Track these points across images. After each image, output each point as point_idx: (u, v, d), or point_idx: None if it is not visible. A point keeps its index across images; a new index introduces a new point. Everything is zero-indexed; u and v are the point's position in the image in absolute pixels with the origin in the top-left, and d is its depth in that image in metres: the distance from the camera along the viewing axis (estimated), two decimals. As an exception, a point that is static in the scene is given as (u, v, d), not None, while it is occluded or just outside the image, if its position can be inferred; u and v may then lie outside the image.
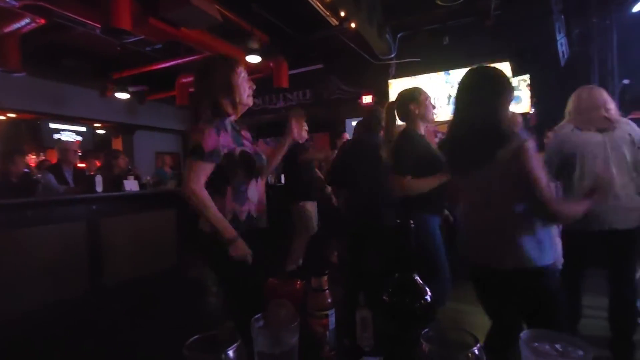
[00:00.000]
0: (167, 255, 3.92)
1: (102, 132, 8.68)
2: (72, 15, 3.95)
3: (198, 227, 1.47)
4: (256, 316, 0.64)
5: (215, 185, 1.40)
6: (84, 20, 4.05)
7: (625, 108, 2.50)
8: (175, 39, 4.62)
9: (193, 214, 1.43)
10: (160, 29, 4.11)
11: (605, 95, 1.98)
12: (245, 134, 1.56)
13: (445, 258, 1.93)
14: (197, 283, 3.39)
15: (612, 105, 1.97)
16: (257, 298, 1.18)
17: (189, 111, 1.52)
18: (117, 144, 8.30)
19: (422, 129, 2.05)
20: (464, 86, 1.41)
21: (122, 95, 6.79)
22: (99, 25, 3.81)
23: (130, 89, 6.75)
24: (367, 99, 6.46)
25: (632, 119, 2.25)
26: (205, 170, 1.36)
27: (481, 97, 1.34)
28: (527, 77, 4.59)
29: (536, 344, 0.50)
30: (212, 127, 1.37)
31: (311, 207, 3.43)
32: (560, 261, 2.10)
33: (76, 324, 2.59)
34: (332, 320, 0.78)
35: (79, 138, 8.05)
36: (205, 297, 3.18)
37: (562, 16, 3.73)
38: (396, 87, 6.08)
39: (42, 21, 4.20)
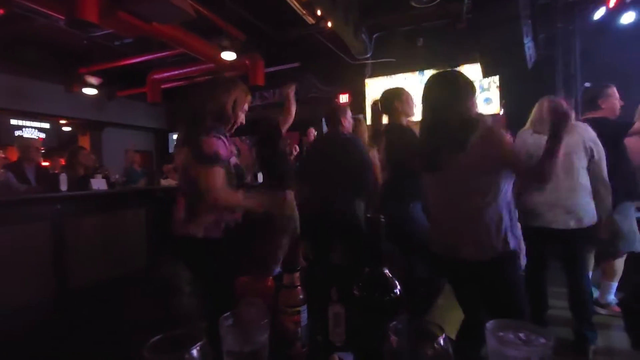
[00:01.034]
0: (137, 256, 3.79)
1: (68, 129, 8.28)
2: (33, 5, 3.74)
3: (184, 234, 1.50)
4: (225, 315, 0.63)
5: None
6: (46, 11, 3.84)
7: (582, 109, 2.64)
8: (147, 34, 4.47)
9: (164, 213, 1.43)
10: (129, 22, 3.96)
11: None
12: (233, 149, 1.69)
13: None
14: (168, 284, 3.29)
15: (571, 114, 2.07)
16: None
17: (182, 114, 1.57)
18: (85, 142, 7.96)
19: (404, 123, 2.24)
20: (429, 90, 1.47)
21: (90, 91, 6.50)
22: (63, 17, 3.63)
23: (98, 84, 6.47)
24: (343, 98, 6.49)
25: (585, 120, 2.39)
26: (222, 174, 1.45)
27: (445, 97, 1.41)
28: (496, 78, 4.76)
29: (501, 333, 0.51)
30: (221, 136, 1.49)
31: (291, 197, 3.24)
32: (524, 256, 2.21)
33: (41, 329, 2.46)
34: (304, 316, 0.77)
35: (42, 135, 7.65)
36: (177, 298, 3.10)
37: (530, 21, 3.89)
38: (372, 86, 6.16)
39: (1, 11, 3.96)
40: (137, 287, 3.34)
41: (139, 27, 4.11)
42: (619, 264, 2.50)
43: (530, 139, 2.14)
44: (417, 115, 2.40)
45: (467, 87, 1.43)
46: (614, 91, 2.53)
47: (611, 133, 2.24)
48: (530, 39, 3.92)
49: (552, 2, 3.97)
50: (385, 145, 2.30)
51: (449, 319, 1.80)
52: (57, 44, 5.70)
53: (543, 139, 1.99)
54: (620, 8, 3.99)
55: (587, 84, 3.96)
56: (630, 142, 2.48)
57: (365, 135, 2.80)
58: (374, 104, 2.39)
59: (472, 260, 1.35)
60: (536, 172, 1.31)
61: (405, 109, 2.24)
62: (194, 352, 0.49)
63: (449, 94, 1.41)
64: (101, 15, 3.50)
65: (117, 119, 8.06)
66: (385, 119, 2.35)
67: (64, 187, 3.40)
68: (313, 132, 4.36)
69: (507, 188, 1.34)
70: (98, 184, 3.82)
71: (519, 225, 1.42)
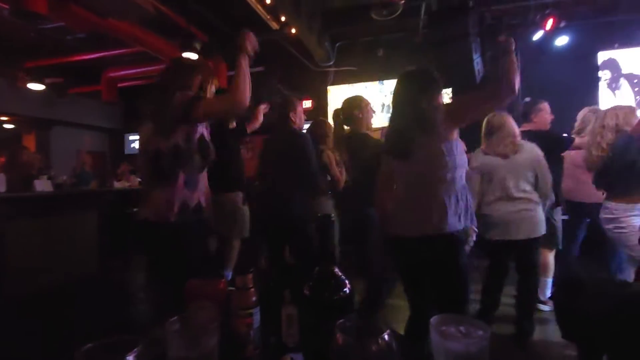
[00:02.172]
0: (86, 261, 3.59)
1: (10, 126, 7.67)
2: (-27, -8, 3.48)
3: (137, 219, 1.44)
4: (171, 320, 0.61)
5: (166, 172, 1.40)
6: (-12, -1, 3.59)
7: (519, 122, 2.89)
8: (101, 30, 4.28)
9: (117, 217, 1.38)
10: (82, 16, 3.78)
11: (513, 123, 2.29)
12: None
13: None
14: (120, 289, 3.15)
15: (517, 131, 2.28)
16: None
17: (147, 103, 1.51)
18: (30, 141, 7.40)
19: (364, 131, 2.34)
20: (398, 86, 1.64)
21: (36, 87, 6.07)
22: (7, 7, 3.40)
23: (46, 80, 6.06)
24: (306, 104, 6.58)
25: (522, 132, 2.63)
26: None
27: (411, 93, 1.57)
28: (449, 90, 5.06)
29: (443, 327, 0.54)
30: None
31: (241, 199, 2.94)
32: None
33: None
34: (256, 318, 0.77)
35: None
36: (129, 304, 2.98)
37: (478, 39, 4.20)
38: (334, 93, 6.30)
39: None
40: (86, 293, 3.17)
41: (92, 22, 3.94)
42: (552, 261, 2.75)
43: (481, 159, 2.31)
44: (376, 122, 2.52)
45: (433, 82, 1.59)
46: (545, 106, 2.82)
47: (550, 146, 2.46)
48: (478, 56, 4.23)
49: (497, 24, 4.32)
50: (348, 152, 2.40)
51: (399, 319, 1.89)
52: (2, 35, 5.29)
53: (493, 159, 2.20)
54: (555, 31, 4.43)
55: (527, 99, 4.33)
56: (569, 154, 2.77)
57: (330, 135, 2.78)
58: (335, 113, 2.47)
59: (432, 234, 1.47)
60: (499, 84, 1.42)
61: (365, 116, 2.33)
62: (130, 358, 0.47)
63: (417, 87, 1.56)
64: (50, 6, 3.32)
65: (67, 117, 7.58)
66: (346, 128, 2.44)
67: (2, 187, 3.17)
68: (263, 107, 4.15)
69: (453, 174, 1.48)
70: (42, 185, 3.60)
71: (473, 214, 1.57)
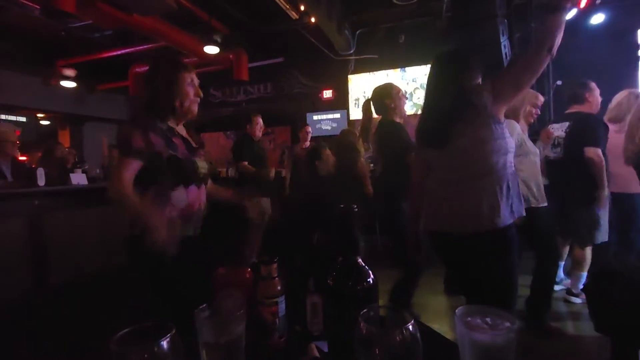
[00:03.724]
0: (120, 251, 3.76)
1: (46, 122, 8.07)
2: (7, -6, 3.65)
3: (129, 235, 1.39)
4: (201, 307, 0.62)
5: (138, 186, 1.33)
6: (21, 0, 3.74)
7: (566, 103, 2.70)
8: (127, 26, 4.40)
9: None
10: (109, 13, 3.89)
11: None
12: (180, 141, 1.45)
13: None
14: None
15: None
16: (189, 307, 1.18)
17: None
18: (65, 136, 7.77)
19: (397, 120, 2.26)
20: (433, 69, 1.51)
21: (68, 84, 6.34)
22: (38, 7, 3.55)
23: (76, 77, 6.31)
24: (327, 94, 6.54)
25: (570, 113, 2.50)
26: (131, 166, 1.29)
27: (450, 75, 1.43)
28: (475, 76, 4.89)
29: (469, 318, 0.53)
30: (139, 128, 1.31)
31: (265, 201, 3.41)
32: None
33: (19, 327, 2.43)
34: (282, 307, 0.78)
35: (19, 129, 7.43)
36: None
37: (505, 20, 4.01)
38: (355, 82, 6.22)
39: (-27, 0, 3.84)
40: (119, 283, 3.32)
41: (119, 19, 4.04)
42: (588, 254, 2.60)
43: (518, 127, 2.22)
44: (409, 110, 2.47)
45: (473, 61, 1.45)
46: (595, 87, 2.59)
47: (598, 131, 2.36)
48: (506, 38, 4.04)
49: (527, 3, 4.10)
50: (376, 141, 2.33)
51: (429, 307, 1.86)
52: (34, 35, 5.53)
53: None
54: (590, 9, 4.16)
55: (559, 82, 4.12)
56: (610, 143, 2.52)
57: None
58: (365, 103, 2.43)
59: (470, 232, 1.34)
60: (538, 46, 1.27)
61: (397, 104, 2.25)
62: (164, 343, 0.48)
63: (456, 68, 1.43)
64: (79, 5, 3.43)
65: (98, 113, 7.88)
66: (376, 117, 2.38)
67: (41, 182, 3.34)
68: (309, 131, 4.31)
69: (504, 160, 1.34)
70: (78, 178, 3.77)
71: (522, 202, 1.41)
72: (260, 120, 3.48)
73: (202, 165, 1.50)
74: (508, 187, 1.33)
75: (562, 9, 1.22)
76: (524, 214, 1.40)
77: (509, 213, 1.33)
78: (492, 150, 1.31)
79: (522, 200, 1.40)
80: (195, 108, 1.49)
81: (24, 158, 4.96)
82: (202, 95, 1.50)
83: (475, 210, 1.32)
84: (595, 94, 2.57)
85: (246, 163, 3.33)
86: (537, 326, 2.20)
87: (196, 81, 1.48)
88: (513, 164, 1.38)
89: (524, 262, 2.35)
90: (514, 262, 1.38)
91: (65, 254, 3.25)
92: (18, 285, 2.93)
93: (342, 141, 2.90)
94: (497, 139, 1.31)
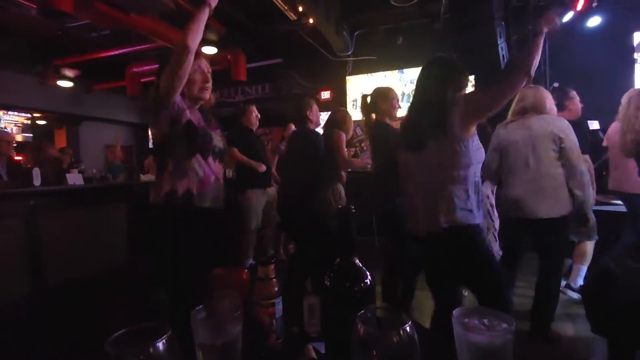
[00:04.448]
0: (116, 252, 3.74)
1: (42, 122, 8.01)
2: (3, -7, 3.63)
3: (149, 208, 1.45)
4: (197, 308, 0.62)
5: (158, 160, 1.44)
6: (18, -1, 3.73)
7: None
8: (125, 26, 4.38)
9: (143, 206, 1.41)
10: (106, 13, 3.87)
11: (545, 93, 2.18)
12: (198, 114, 1.55)
13: None
14: (148, 281, 3.27)
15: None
16: (199, 283, 1.18)
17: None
18: (61, 136, 7.71)
19: (387, 121, 2.40)
20: (421, 75, 1.60)
21: (65, 83, 6.30)
22: (35, 6, 3.53)
23: (74, 77, 6.27)
24: (325, 95, 6.54)
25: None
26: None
27: (435, 84, 1.52)
28: (472, 77, 4.90)
29: (466, 319, 0.53)
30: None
31: (256, 197, 3.33)
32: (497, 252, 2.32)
33: (15, 327, 2.42)
34: (278, 308, 0.78)
35: (16, 129, 7.39)
36: (157, 296, 3.09)
37: (502, 23, 4.02)
38: (353, 83, 6.23)
39: (-31, -1, 3.81)
40: (115, 282, 3.31)
41: (116, 19, 4.02)
42: (590, 248, 2.61)
43: (502, 132, 2.22)
44: (399, 115, 2.53)
45: (460, 74, 1.53)
46: (575, 94, 2.72)
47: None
48: (503, 40, 4.05)
49: (524, 5, 4.12)
50: (371, 140, 2.47)
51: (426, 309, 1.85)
52: (31, 34, 5.50)
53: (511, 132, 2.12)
54: (587, 12, 4.18)
55: (556, 84, 4.14)
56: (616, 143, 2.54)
57: (350, 125, 2.87)
58: (363, 99, 2.55)
59: (444, 228, 1.42)
60: (516, 69, 1.37)
61: (388, 108, 2.40)
62: (159, 345, 0.47)
63: (442, 78, 1.51)
64: (76, 5, 3.42)
65: (95, 112, 7.84)
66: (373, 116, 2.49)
67: (37, 181, 3.32)
68: (292, 128, 4.33)
69: (475, 169, 1.44)
70: (74, 178, 3.75)
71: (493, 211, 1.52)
72: (255, 109, 3.49)
73: (218, 140, 1.57)
74: (467, 194, 1.43)
75: (542, 33, 1.40)
76: (481, 220, 1.49)
77: (467, 214, 1.42)
78: (455, 165, 1.41)
79: (481, 208, 1.49)
80: (205, 95, 1.56)
81: (19, 158, 4.92)
82: (210, 81, 1.56)
83: (434, 212, 1.43)
84: (576, 102, 2.69)
85: (236, 150, 3.26)
86: (542, 335, 2.17)
87: (205, 68, 1.55)
88: (478, 174, 1.47)
89: (525, 262, 2.38)
90: (484, 250, 1.47)
91: (61, 254, 3.22)
92: (13, 285, 2.91)
93: (328, 119, 2.93)
94: (462, 156, 1.40)
